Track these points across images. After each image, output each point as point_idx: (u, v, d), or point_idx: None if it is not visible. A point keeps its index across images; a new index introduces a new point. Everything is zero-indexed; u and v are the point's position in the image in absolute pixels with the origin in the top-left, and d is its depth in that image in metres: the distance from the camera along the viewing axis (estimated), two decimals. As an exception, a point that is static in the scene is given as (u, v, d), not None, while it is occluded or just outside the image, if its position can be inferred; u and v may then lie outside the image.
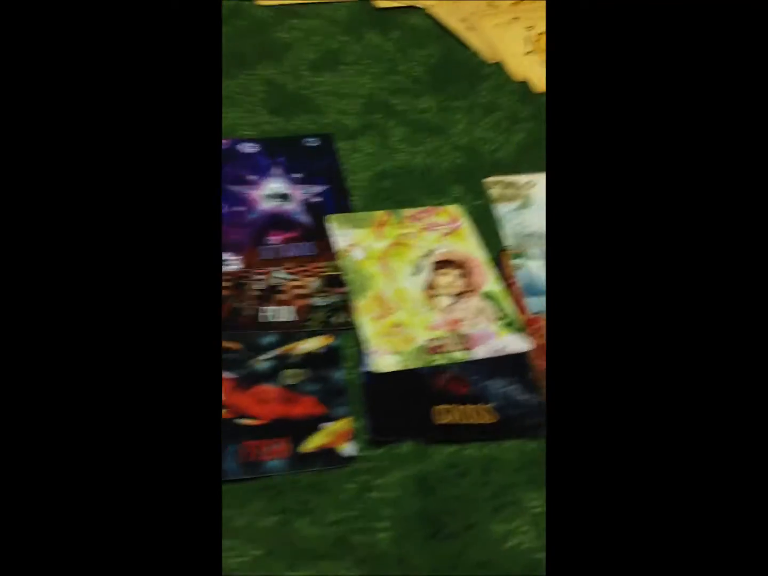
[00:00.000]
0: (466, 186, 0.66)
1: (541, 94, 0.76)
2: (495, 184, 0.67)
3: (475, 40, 0.83)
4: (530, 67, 0.80)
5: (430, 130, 0.72)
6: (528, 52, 0.82)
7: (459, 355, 0.52)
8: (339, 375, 0.51)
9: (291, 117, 0.74)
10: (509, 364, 0.52)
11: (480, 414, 0.48)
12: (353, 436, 0.47)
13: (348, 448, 0.46)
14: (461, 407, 0.49)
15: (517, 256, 0.60)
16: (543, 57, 0.82)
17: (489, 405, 0.49)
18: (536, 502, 0.44)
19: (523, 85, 0.78)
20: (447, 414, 0.48)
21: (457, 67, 0.80)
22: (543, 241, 0.61)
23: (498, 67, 0.80)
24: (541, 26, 0.84)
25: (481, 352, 0.52)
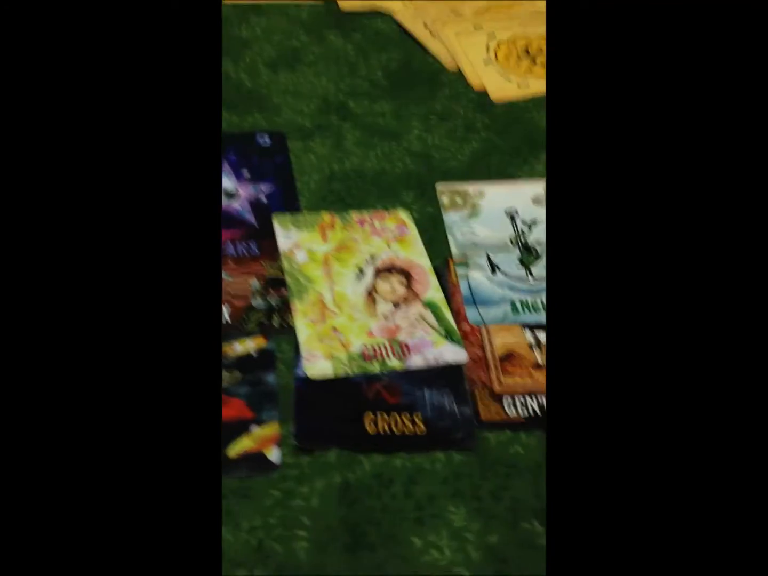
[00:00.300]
0: (417, 192, 0.66)
1: (497, 104, 0.77)
2: (445, 191, 0.67)
3: (436, 47, 0.83)
4: (489, 76, 0.80)
5: (385, 134, 0.72)
6: (488, 62, 0.83)
7: (394, 363, 0.52)
8: (271, 378, 0.50)
9: (245, 114, 0.72)
10: (443, 375, 0.51)
11: (410, 424, 0.48)
12: (280, 442, 0.46)
13: (274, 455, 0.46)
14: (391, 416, 0.48)
15: (462, 265, 0.60)
16: (502, 67, 0.82)
17: (419, 415, 0.49)
18: (459, 515, 0.44)
19: (481, 95, 0.78)
20: (376, 423, 0.48)
21: (417, 73, 0.80)
22: (487, 252, 0.61)
23: (457, 76, 0.80)
24: (502, 35, 0.85)
25: (416, 362, 0.52)
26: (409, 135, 0.72)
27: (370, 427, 0.48)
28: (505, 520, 0.44)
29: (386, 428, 0.48)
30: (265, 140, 0.70)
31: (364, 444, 0.47)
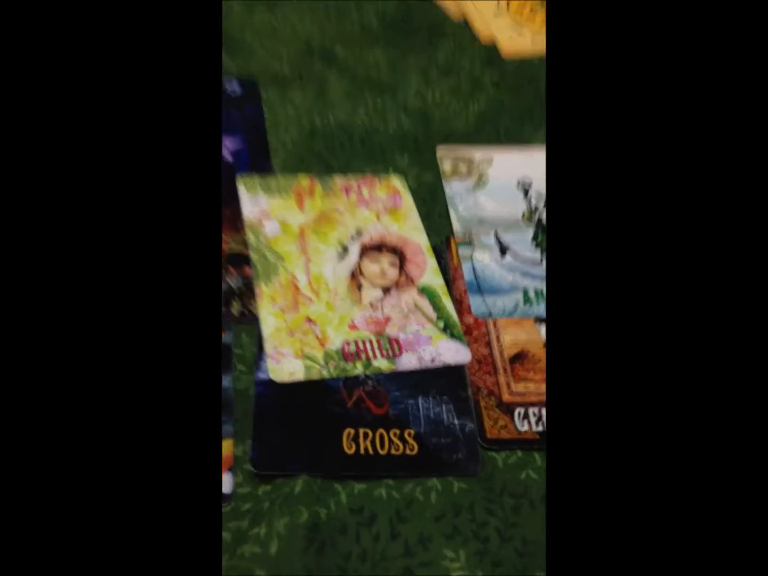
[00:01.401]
0: (413, 156, 0.56)
1: (508, 60, 0.66)
2: (447, 156, 0.57)
3: (440, -9, 0.72)
4: (500, 29, 0.70)
5: (377, 87, 0.61)
6: (498, 13, 0.72)
7: (381, 364, 0.42)
8: (226, 382, 0.40)
9: (212, 57, 0.61)
10: (441, 380, 0.42)
11: (399, 442, 0.38)
12: (232, 465, 0.36)
13: (224, 482, 0.36)
14: (376, 432, 0.39)
15: (465, 244, 0.50)
16: (514, 19, 0.71)
17: (411, 431, 0.39)
18: (458, 562, 0.34)
19: (490, 49, 0.67)
20: (357, 441, 0.38)
21: (416, 20, 0.69)
22: (495, 230, 0.51)
23: (462, 27, 0.69)
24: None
25: (408, 362, 0.42)
26: (405, 89, 0.61)
27: (348, 446, 0.38)
28: (514, 566, 0.35)
29: (369, 448, 0.38)
30: (233, 88, 0.58)
31: (341, 468, 0.37)
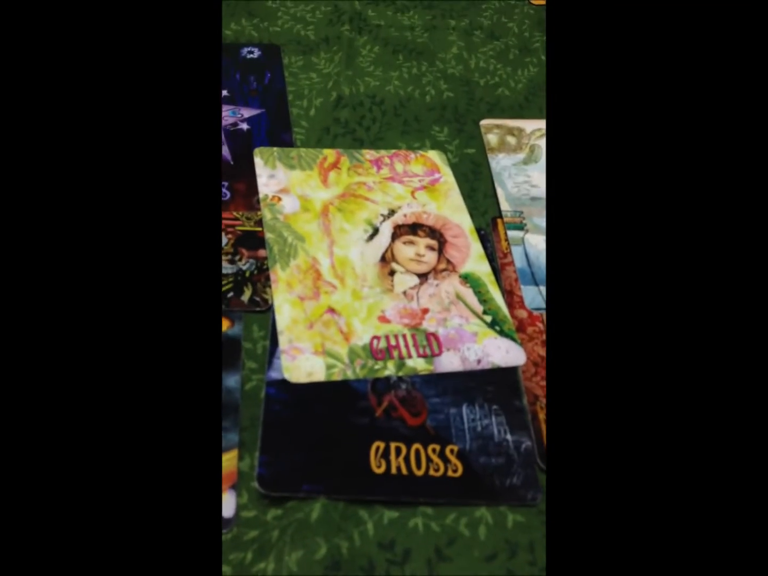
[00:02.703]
0: (454, 128, 0.49)
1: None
2: (494, 128, 0.49)
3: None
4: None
5: (413, 52, 0.54)
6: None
7: (417, 365, 0.35)
8: (232, 382, 0.34)
9: (230, 20, 0.55)
10: (490, 385, 0.35)
11: (439, 461, 0.32)
12: (235, 482, 0.30)
13: (226, 503, 0.29)
14: (411, 448, 0.32)
15: (516, 226, 0.43)
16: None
17: (453, 447, 0.32)
18: (515, 617, 0.27)
19: (540, 10, 0.60)
20: (388, 458, 0.31)
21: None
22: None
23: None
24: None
25: (449, 362, 0.35)
26: (445, 54, 0.54)
27: (377, 465, 0.31)
28: (583, 621, 0.27)
29: (402, 467, 0.31)
30: (252, 53, 0.52)
31: (368, 491, 0.30)
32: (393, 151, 0.47)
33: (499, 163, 0.47)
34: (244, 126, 0.47)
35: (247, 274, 0.38)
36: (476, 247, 0.41)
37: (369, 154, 0.46)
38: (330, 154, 0.46)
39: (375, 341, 0.35)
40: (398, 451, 0.31)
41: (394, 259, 0.40)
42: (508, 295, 0.39)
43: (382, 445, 0.31)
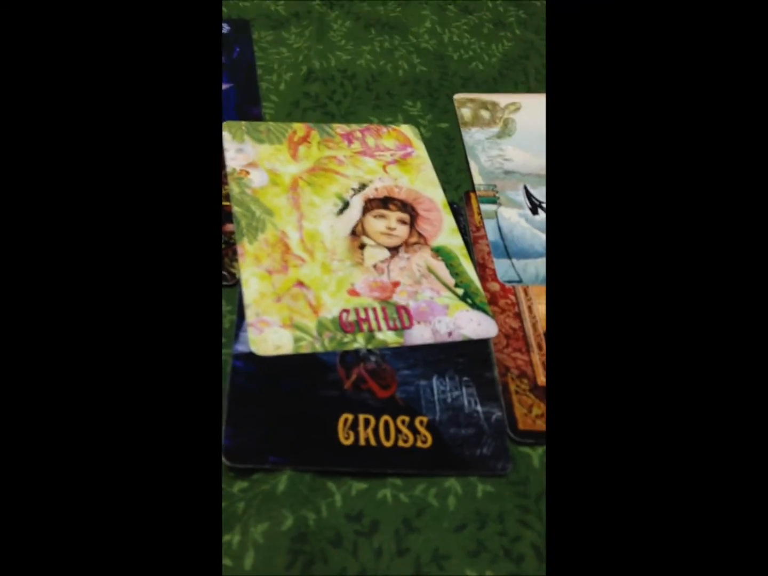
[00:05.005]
0: (427, 102, 0.48)
1: (537, -2, 0.58)
2: (468, 102, 0.49)
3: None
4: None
5: (385, 25, 0.53)
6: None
7: (387, 337, 0.34)
8: (197, 355, 0.33)
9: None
10: (461, 357, 0.34)
11: (409, 432, 0.31)
12: (200, 456, 0.29)
13: (189, 477, 0.29)
14: (380, 420, 0.31)
15: (489, 200, 0.43)
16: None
17: (423, 419, 0.32)
18: (484, 586, 0.27)
19: (516, -15, 0.59)
20: (356, 429, 0.31)
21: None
22: (525, 184, 0.44)
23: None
24: None
25: (420, 335, 0.35)
26: (418, 28, 0.53)
27: (345, 436, 0.31)
28: (553, 589, 0.27)
29: (371, 438, 0.31)
30: (222, 28, 0.51)
31: (336, 462, 0.30)
32: (365, 125, 0.46)
33: (472, 137, 0.46)
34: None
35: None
36: (449, 221, 0.41)
37: (340, 128, 0.45)
38: (300, 128, 0.45)
39: (344, 314, 0.35)
40: (367, 422, 0.31)
41: (364, 232, 0.39)
42: (481, 268, 0.39)
43: (350, 417, 0.31)
